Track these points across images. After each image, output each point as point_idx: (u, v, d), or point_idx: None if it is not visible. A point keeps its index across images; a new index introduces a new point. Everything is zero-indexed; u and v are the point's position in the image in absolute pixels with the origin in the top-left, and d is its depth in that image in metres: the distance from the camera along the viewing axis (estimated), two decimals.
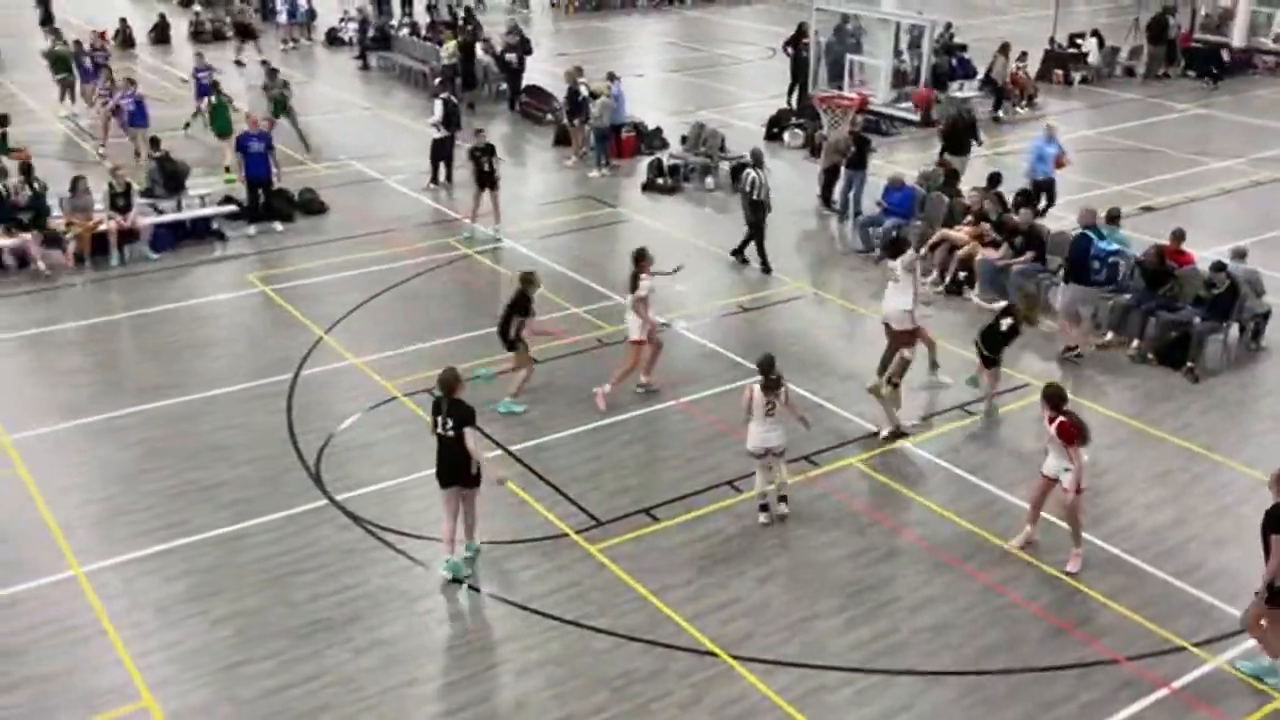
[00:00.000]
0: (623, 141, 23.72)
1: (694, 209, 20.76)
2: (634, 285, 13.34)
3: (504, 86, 28.50)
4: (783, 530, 11.13)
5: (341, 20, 36.54)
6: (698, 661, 9.38)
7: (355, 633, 9.73)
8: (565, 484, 11.81)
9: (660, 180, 21.75)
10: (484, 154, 18.97)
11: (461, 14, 34.30)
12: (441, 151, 21.81)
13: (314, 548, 10.87)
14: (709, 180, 21.97)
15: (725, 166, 22.16)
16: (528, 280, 13.33)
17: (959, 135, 20.92)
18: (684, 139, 23.33)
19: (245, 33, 33.50)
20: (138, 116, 22.96)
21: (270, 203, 19.38)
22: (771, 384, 10.84)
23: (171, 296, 16.81)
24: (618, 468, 12.25)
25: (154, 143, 20.47)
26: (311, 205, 20.38)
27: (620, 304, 16.05)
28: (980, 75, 28.51)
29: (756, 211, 17.60)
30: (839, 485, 11.92)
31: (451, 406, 10.07)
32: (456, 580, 10.35)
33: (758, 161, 17.82)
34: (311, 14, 37.05)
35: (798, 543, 10.96)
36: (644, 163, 22.54)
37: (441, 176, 21.90)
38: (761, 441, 10.96)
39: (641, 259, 13.40)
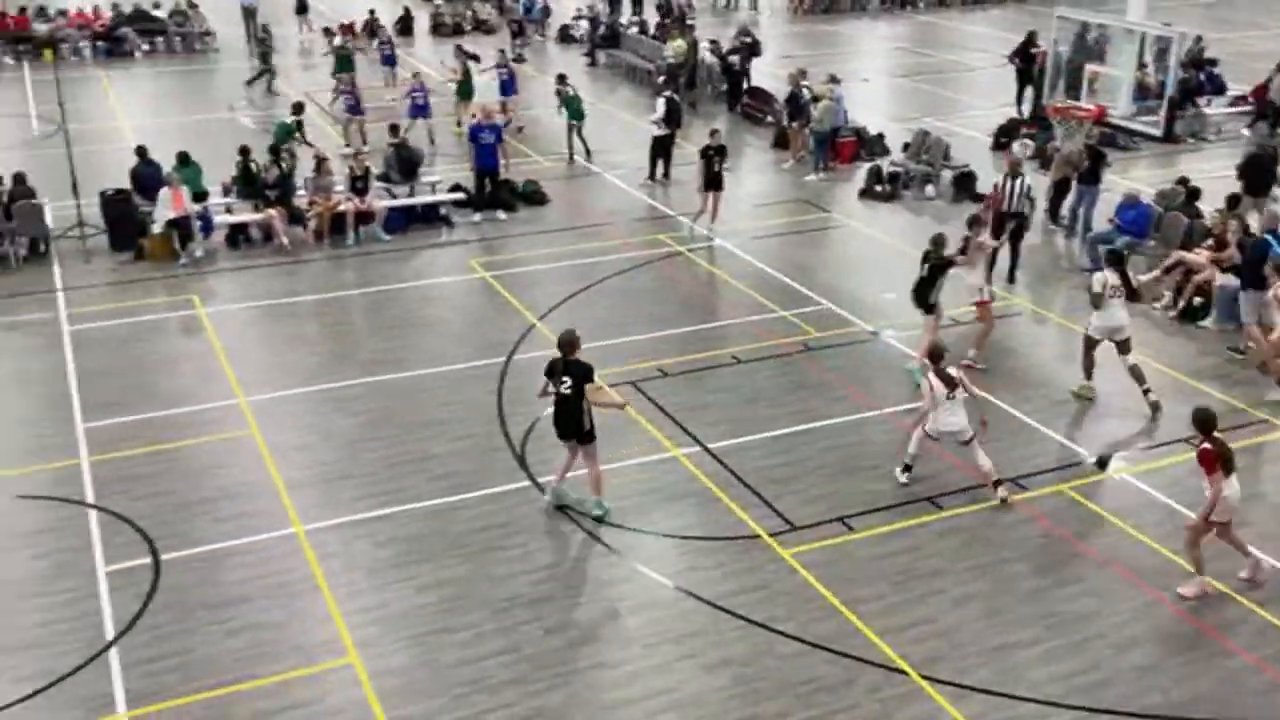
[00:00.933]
0: (842, 146, 23.46)
1: (911, 218, 20.35)
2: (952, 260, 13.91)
3: (725, 87, 28.61)
4: (983, 553, 10.80)
5: (575, 18, 37.50)
6: (886, 678, 9.22)
7: (548, 612, 10.00)
8: (761, 485, 11.80)
9: (879, 187, 21.41)
10: (716, 154, 18.95)
11: (690, 14, 34.65)
12: (661, 149, 22.10)
13: (515, 526, 11.24)
14: (929, 189, 21.48)
15: (947, 175, 21.63)
16: (937, 243, 13.95)
17: (1259, 173, 19.53)
18: (906, 146, 22.90)
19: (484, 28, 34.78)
20: (424, 109, 24.49)
21: (496, 192, 20.08)
22: (945, 374, 11.36)
23: (399, 276, 17.66)
24: (815, 473, 12.15)
25: (393, 129, 21.51)
26: (534, 197, 21.01)
27: (828, 309, 15.90)
28: (1238, 91, 26.77)
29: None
30: (1047, 511, 11.48)
31: (569, 366, 10.84)
32: (558, 508, 11.14)
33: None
34: (546, 10, 38.15)
35: (999, 567, 10.61)
36: (863, 169, 22.24)
37: (659, 173, 22.20)
38: (943, 426, 11.40)
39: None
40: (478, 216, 19.89)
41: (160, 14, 35.23)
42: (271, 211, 18.69)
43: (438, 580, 10.43)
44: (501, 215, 20.08)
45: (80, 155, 18.80)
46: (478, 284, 17.40)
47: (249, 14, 34.94)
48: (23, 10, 33.78)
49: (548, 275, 17.65)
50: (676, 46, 28.65)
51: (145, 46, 34.13)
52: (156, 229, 17.89)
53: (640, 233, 19.46)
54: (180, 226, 17.88)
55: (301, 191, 19.32)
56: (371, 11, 35.82)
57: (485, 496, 11.72)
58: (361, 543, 11.01)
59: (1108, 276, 13.23)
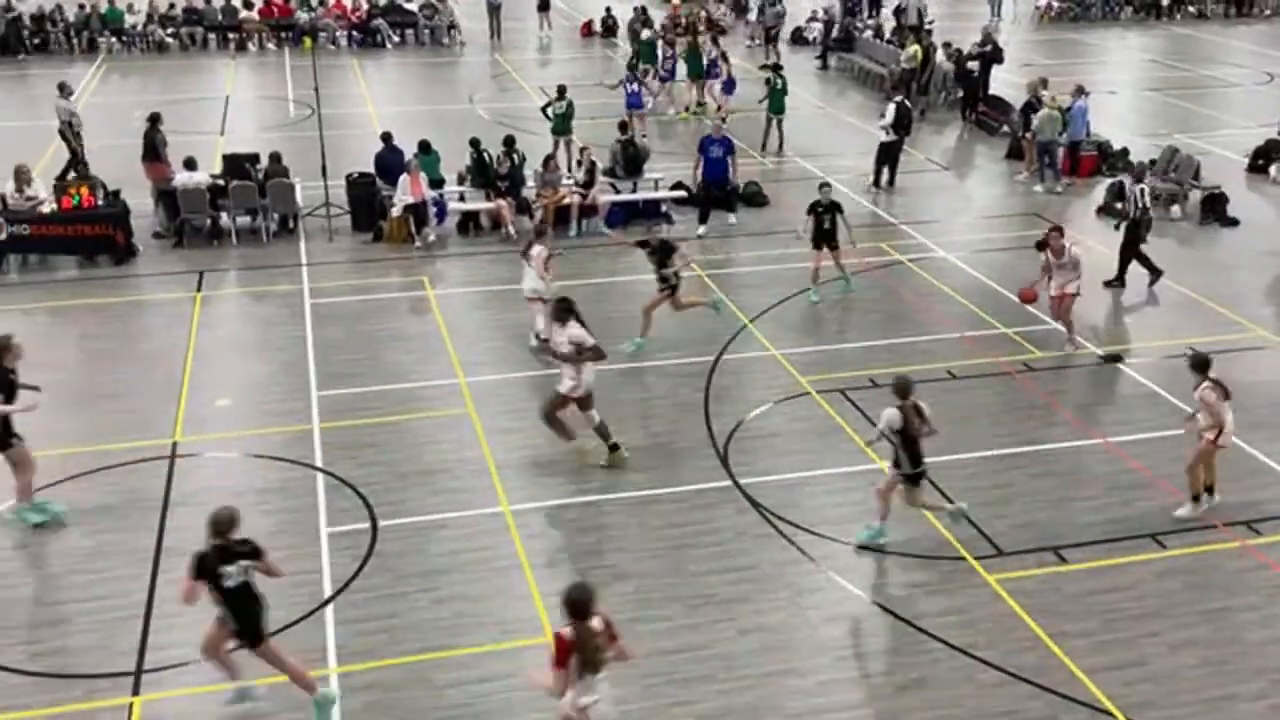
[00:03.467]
0: (1081, 160, 22.46)
1: (1151, 239, 19.28)
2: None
3: (960, 94, 27.83)
4: (1206, 598, 10.15)
5: (808, 20, 37.24)
6: (1091, 718, 8.79)
7: (741, 613, 10.00)
8: (970, 507, 11.44)
9: (1118, 204, 20.38)
10: (827, 211, 16.57)
11: (929, 19, 33.88)
12: (887, 155, 21.70)
13: (712, 524, 11.28)
14: (1174, 209, 20.31)
15: (1195, 196, 20.39)
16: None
17: None
18: (1152, 163, 21.71)
19: (716, 28, 34.97)
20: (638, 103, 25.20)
21: (724, 196, 19.93)
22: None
23: (617, 270, 17.98)
24: (1027, 498, 11.70)
25: (622, 127, 21.90)
26: (755, 198, 21.01)
27: (1054, 329, 15.26)
28: None
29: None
30: None
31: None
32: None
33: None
34: (780, 14, 38.03)
35: (1223, 615, 9.96)
36: (1103, 185, 21.22)
37: (883, 180, 21.81)
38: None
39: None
40: (702, 229, 19.53)
41: (411, 7, 37.00)
42: (501, 202, 19.35)
43: (634, 570, 10.58)
44: (732, 219, 19.96)
45: (330, 139, 19.95)
46: (693, 281, 17.52)
47: (493, 9, 36.27)
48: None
49: (763, 277, 17.62)
50: (912, 51, 28.07)
51: (396, 38, 35.92)
52: (395, 212, 18.82)
53: (860, 239, 19.16)
54: (416, 211, 18.75)
55: (530, 184, 19.93)
56: (608, 9, 36.59)
57: (685, 493, 11.80)
58: (564, 527, 11.29)
59: None
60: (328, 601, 10.13)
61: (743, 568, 10.65)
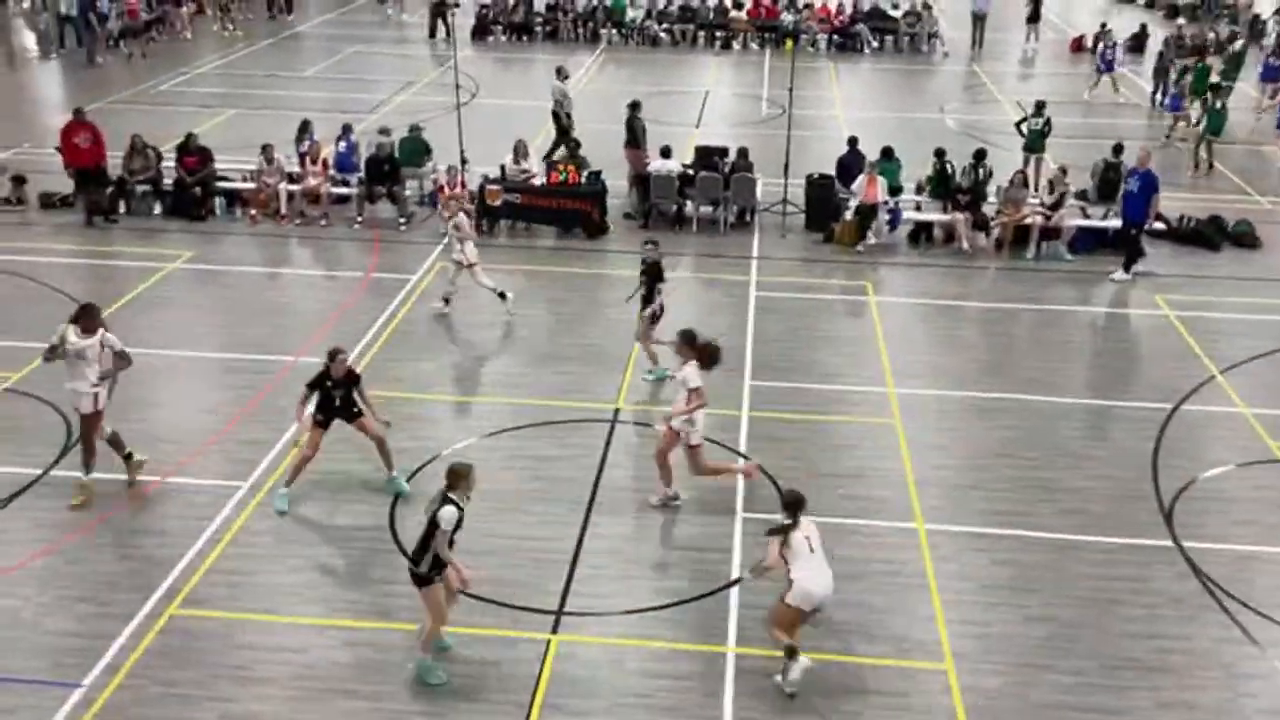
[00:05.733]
0: None
1: None
2: None
3: None
4: None
5: None
6: None
7: (1164, 685, 9.17)
8: None
9: None
10: None
11: None
12: None
13: (1144, 585, 10.41)
14: None
15: None
16: None
17: None
18: None
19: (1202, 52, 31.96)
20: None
21: (1131, 239, 18.03)
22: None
23: (1073, 299, 17.00)
24: None
25: (1116, 149, 20.39)
26: (1243, 238, 19.06)
27: None
28: None
29: None
30: None
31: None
32: None
33: None
34: None
35: None
36: None
37: None
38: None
39: None
40: (1121, 274, 17.55)
41: (895, 14, 36.92)
42: (958, 215, 18.88)
43: (1049, 615, 10.00)
44: (1121, 275, 17.55)
45: (796, 139, 20.37)
46: (1159, 322, 16.21)
47: (978, 19, 35.38)
48: (775, 1, 37.23)
49: (1244, 326, 15.95)
50: None
51: (875, 44, 36.01)
52: (849, 215, 18.92)
53: None
54: (868, 215, 18.73)
55: (992, 199, 19.29)
56: (1103, 25, 34.48)
57: (1116, 545, 10.98)
58: (978, 555, 10.88)
59: None
60: (733, 583, 10.43)
61: (1173, 637, 9.75)
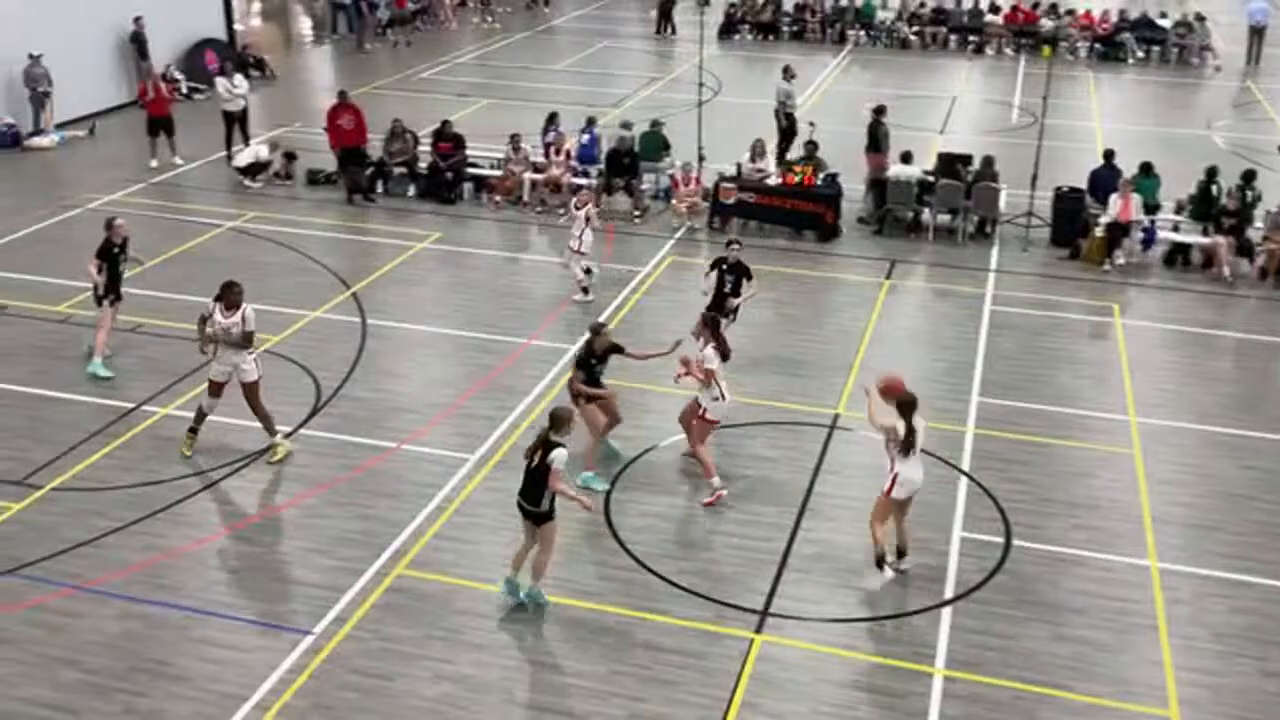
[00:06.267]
0: None
1: None
2: None
3: None
4: None
5: None
6: None
7: None
8: None
9: None
10: None
11: None
12: None
13: None
14: None
15: None
16: None
17: None
18: None
19: None
20: None
21: None
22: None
23: None
24: None
25: None
26: None
27: None
28: None
29: None
30: None
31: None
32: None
33: None
34: None
35: None
36: None
37: None
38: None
39: None
40: None
41: (1164, 24, 34.89)
42: (1220, 239, 17.70)
43: None
44: None
45: (1047, 149, 19.55)
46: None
47: (1256, 32, 33.03)
48: (1035, 5, 35.83)
49: None
50: None
51: (1140, 53, 34.15)
52: (1098, 232, 18.03)
53: None
54: (1119, 233, 17.79)
55: (1259, 224, 17.99)
56: None
57: None
58: (1215, 601, 10.19)
59: None
60: (947, 603, 10.15)
61: None
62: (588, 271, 16.30)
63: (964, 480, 12.03)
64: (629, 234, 19.19)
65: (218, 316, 11.93)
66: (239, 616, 9.82)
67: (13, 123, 23.24)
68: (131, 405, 13.10)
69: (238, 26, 30.89)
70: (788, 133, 22.53)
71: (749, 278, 14.34)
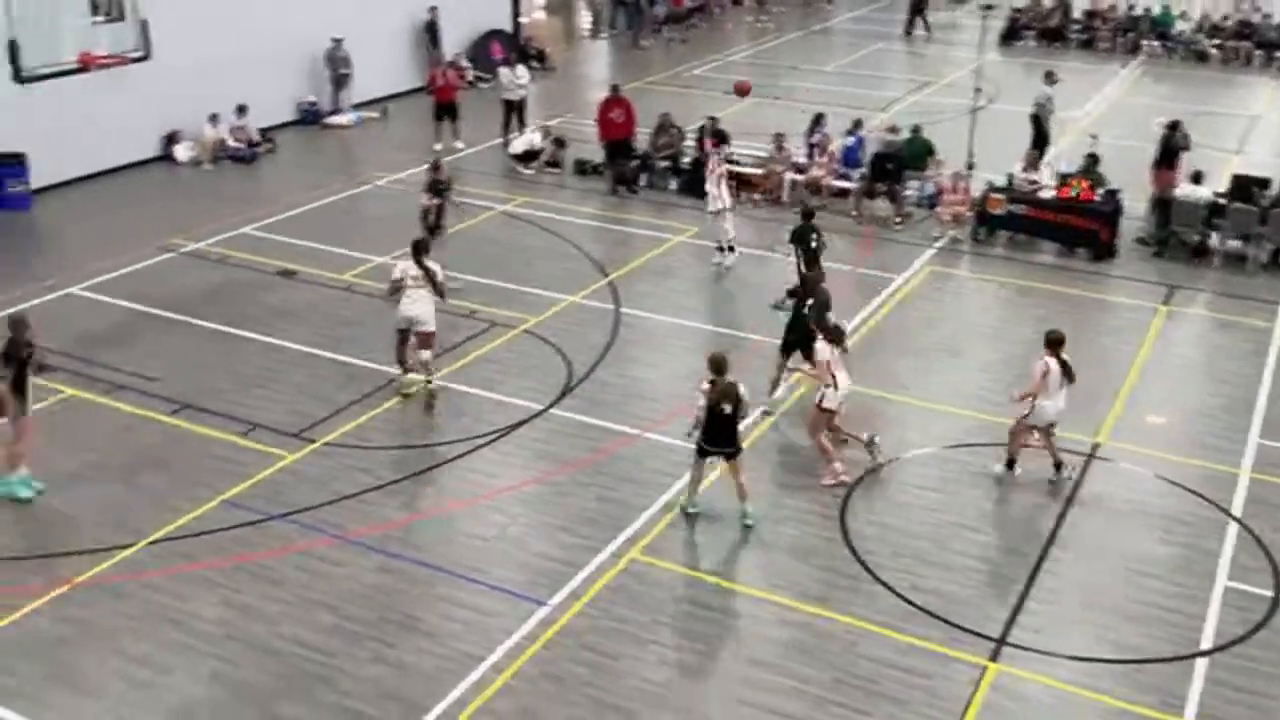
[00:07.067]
0: None
1: None
2: None
3: None
4: None
5: None
6: None
7: None
8: None
9: None
10: None
11: None
12: None
13: None
14: None
15: None
16: None
17: None
18: None
19: None
20: None
21: None
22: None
23: None
24: None
25: None
26: None
27: None
28: None
29: None
30: None
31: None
32: None
33: None
34: None
35: None
36: None
37: None
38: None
39: None
40: None
41: None
42: None
43: None
44: None
45: None
46: None
47: None
48: None
49: None
50: None
51: None
52: None
53: None
54: None
55: None
56: None
57: None
58: None
59: None
60: (1204, 653, 9.49)
61: None
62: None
63: (1233, 526, 11.20)
64: (887, 239, 18.84)
65: (413, 270, 13.18)
66: (482, 581, 10.29)
67: (314, 101, 25.11)
68: (399, 373, 13.93)
69: (522, 19, 32.20)
70: (1039, 139, 21.55)
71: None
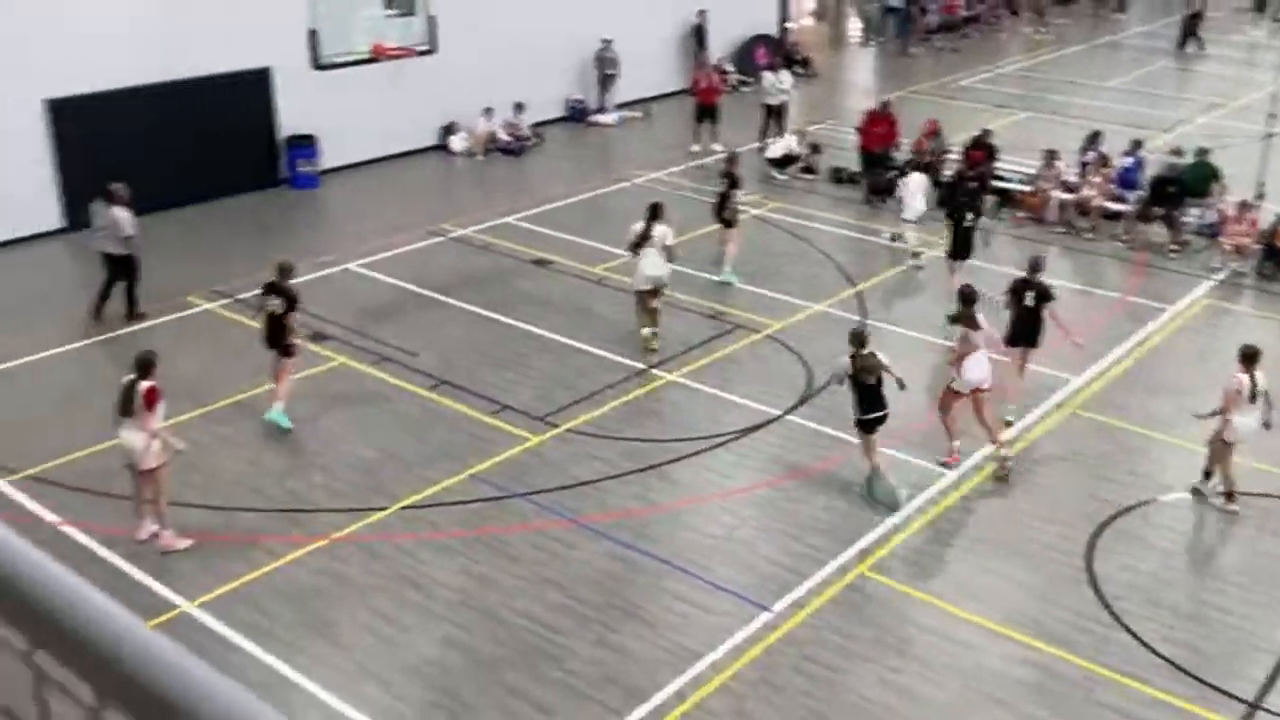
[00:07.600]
0: None
1: None
2: None
3: None
4: None
5: None
6: None
7: None
8: None
9: None
10: None
11: None
12: None
13: None
14: None
15: None
16: None
17: None
18: None
19: None
20: None
21: None
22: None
23: None
24: None
25: None
26: None
27: None
28: None
29: None
30: None
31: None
32: None
33: None
34: None
35: None
36: None
37: None
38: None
39: None
40: None
41: None
42: None
43: None
44: None
45: None
46: None
47: None
48: None
49: None
50: None
51: None
52: None
53: None
54: None
55: None
56: None
57: None
58: None
59: None
60: None
61: None
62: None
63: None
64: (1161, 268, 17.77)
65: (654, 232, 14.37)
66: (708, 579, 10.36)
67: (581, 99, 25.90)
68: (643, 367, 14.19)
69: (789, 25, 32.17)
70: None
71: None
